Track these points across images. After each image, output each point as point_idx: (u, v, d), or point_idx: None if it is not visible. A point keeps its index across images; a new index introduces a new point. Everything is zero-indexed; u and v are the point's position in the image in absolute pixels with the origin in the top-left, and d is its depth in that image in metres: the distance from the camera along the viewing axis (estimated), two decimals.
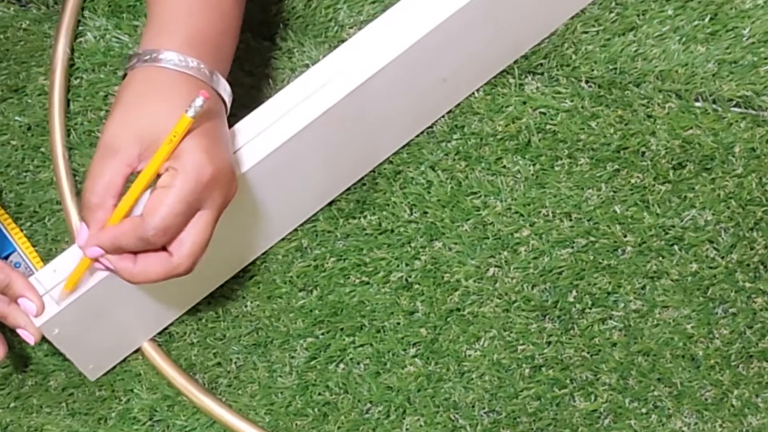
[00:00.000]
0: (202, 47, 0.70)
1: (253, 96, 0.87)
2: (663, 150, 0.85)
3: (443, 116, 0.87)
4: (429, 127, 0.86)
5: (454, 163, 0.86)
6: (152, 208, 0.66)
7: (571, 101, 0.87)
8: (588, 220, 0.84)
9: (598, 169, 0.85)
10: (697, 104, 0.86)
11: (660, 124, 0.86)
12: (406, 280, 0.84)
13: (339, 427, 0.81)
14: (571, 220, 0.85)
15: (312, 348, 0.83)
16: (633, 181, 0.85)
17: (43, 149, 0.88)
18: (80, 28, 0.89)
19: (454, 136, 0.86)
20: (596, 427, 0.81)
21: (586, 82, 0.87)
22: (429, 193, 0.85)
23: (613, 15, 0.88)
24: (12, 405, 0.83)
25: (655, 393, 0.81)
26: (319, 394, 0.82)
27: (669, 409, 0.81)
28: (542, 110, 0.87)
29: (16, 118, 0.88)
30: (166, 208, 0.66)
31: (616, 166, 0.85)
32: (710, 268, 0.83)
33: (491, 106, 0.87)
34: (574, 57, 0.87)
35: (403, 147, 0.86)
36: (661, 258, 0.83)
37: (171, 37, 0.69)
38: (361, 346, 0.83)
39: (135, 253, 0.68)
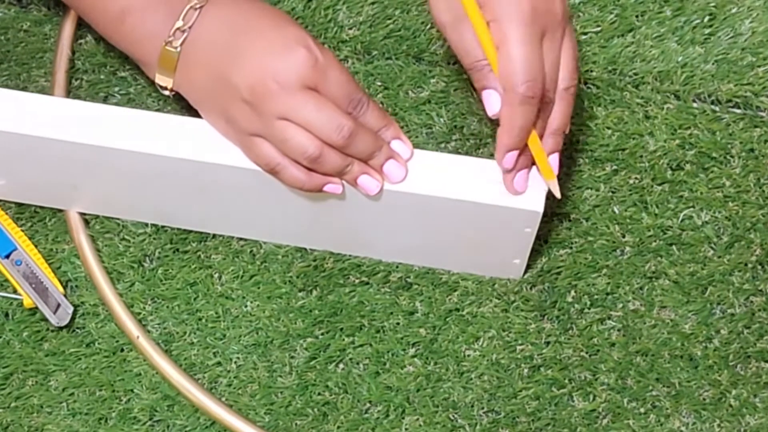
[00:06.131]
0: None
1: None
2: (661, 150, 0.85)
3: (443, 118, 0.87)
4: None
5: None
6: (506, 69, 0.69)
7: None
8: (586, 220, 0.85)
9: (597, 169, 0.85)
10: (695, 105, 0.87)
11: (658, 124, 0.86)
12: (405, 280, 0.84)
13: (339, 427, 0.81)
14: (570, 220, 0.85)
15: (312, 348, 0.83)
16: (631, 181, 0.85)
17: None
18: (81, 29, 0.89)
19: (453, 137, 0.86)
20: (595, 427, 0.81)
21: (585, 83, 0.87)
22: None
23: (612, 16, 0.88)
24: (12, 405, 0.83)
25: (654, 393, 0.81)
26: (319, 394, 0.82)
27: (667, 408, 0.81)
28: None
29: None
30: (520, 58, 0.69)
31: (615, 167, 0.85)
32: (708, 268, 0.83)
33: None
34: None
35: None
36: (659, 258, 0.84)
37: None
38: (361, 346, 0.83)
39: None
